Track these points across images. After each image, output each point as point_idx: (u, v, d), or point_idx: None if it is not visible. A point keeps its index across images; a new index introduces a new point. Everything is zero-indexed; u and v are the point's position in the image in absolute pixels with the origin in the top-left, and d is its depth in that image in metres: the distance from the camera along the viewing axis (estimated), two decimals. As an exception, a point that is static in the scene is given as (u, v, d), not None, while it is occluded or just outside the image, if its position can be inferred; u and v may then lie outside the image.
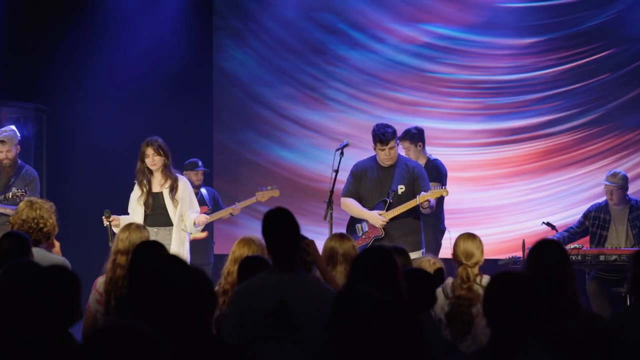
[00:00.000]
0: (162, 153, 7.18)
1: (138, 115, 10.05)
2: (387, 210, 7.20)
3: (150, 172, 7.24)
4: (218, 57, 10.34)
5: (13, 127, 8.27)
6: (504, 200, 9.77)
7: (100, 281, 5.25)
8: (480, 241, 5.16)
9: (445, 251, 7.85)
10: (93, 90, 10.09)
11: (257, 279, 4.25)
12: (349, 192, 7.36)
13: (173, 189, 7.14)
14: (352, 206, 7.34)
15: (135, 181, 7.34)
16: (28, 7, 10.05)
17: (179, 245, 7.05)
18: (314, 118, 10.14)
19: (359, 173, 7.35)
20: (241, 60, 10.26)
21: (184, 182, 7.24)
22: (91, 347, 1.95)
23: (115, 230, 7.09)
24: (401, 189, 7.23)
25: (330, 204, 7.05)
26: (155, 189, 7.22)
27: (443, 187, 7.35)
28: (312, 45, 10.14)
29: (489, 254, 6.24)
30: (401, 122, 9.34)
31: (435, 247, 7.84)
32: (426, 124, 9.01)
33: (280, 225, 4.18)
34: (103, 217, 7.15)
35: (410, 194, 7.19)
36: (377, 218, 7.18)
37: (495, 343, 3.18)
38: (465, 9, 9.81)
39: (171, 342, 2.17)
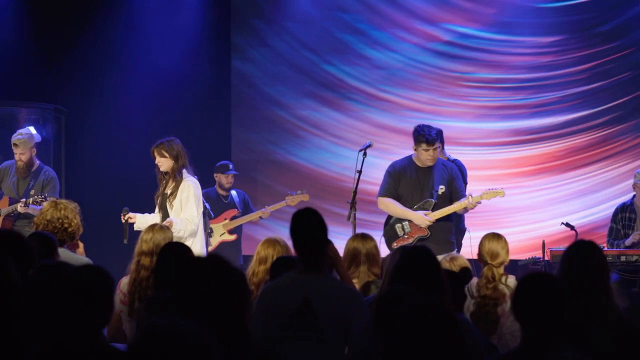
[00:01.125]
0: (165, 155, 7.14)
1: (156, 116, 10.07)
2: (432, 210, 7.24)
3: (167, 173, 7.24)
4: (236, 57, 10.32)
5: (30, 129, 8.28)
6: (523, 199, 9.73)
7: (124, 282, 5.26)
8: (505, 241, 5.16)
9: (465, 250, 7.85)
10: (111, 91, 10.11)
11: (282, 279, 4.26)
12: (388, 192, 7.37)
13: (172, 192, 7.12)
14: (393, 206, 7.35)
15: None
16: (48, 10, 10.07)
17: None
18: (333, 118, 10.12)
19: (397, 173, 7.37)
20: (259, 61, 10.24)
21: (184, 186, 7.11)
22: (145, 347, 1.94)
23: (134, 227, 7.14)
24: (441, 189, 7.28)
25: (353, 204, 7.04)
26: (166, 189, 7.23)
27: (500, 189, 7.36)
28: (330, 45, 10.10)
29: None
30: (421, 122, 9.34)
31: (458, 247, 7.84)
32: (445, 123, 9.00)
33: (309, 225, 4.16)
34: (121, 215, 7.18)
35: (448, 195, 7.26)
36: (423, 218, 7.20)
37: (526, 344, 3.17)
38: (484, 8, 9.79)
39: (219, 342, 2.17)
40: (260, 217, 8.66)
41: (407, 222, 7.29)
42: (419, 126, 7.33)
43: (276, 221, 9.79)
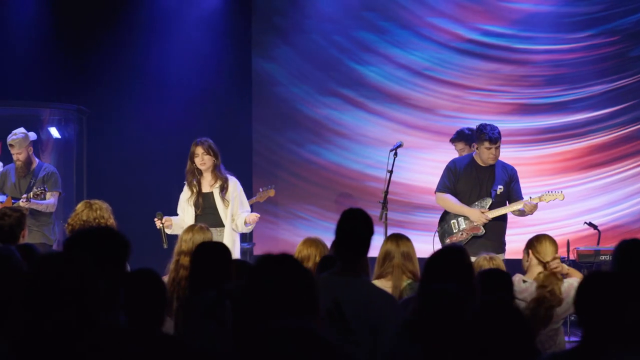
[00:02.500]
0: (211, 153, 7.16)
1: (176, 116, 10.07)
2: (489, 209, 7.22)
3: (200, 172, 7.21)
4: (257, 56, 10.28)
5: (22, 129, 8.33)
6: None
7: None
8: (554, 241, 5.14)
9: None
10: (132, 91, 10.10)
11: (318, 279, 4.20)
12: (446, 187, 7.35)
13: (223, 189, 7.11)
14: (450, 202, 7.32)
15: (185, 182, 7.31)
16: (70, 11, 10.07)
17: (231, 245, 7.02)
18: (356, 116, 10.08)
19: (458, 170, 7.35)
20: (281, 59, 10.20)
21: (234, 182, 7.20)
22: (274, 351, 1.93)
23: (168, 231, 7.10)
24: (500, 189, 7.27)
25: (385, 204, 7.01)
26: (205, 189, 7.19)
27: (560, 192, 7.35)
28: (353, 43, 10.06)
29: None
30: (444, 120, 9.36)
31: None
32: (469, 122, 8.97)
33: (358, 226, 4.10)
34: (155, 220, 7.12)
35: (506, 195, 7.27)
36: (480, 215, 7.17)
37: (587, 344, 3.15)
38: (508, 5, 9.76)
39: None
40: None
41: (462, 219, 7.26)
42: (482, 124, 7.32)
43: (292, 220, 9.82)
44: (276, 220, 10.02)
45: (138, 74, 10.13)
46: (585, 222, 8.95)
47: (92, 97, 9.92)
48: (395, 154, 7.24)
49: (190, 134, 9.95)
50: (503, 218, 7.29)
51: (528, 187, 9.75)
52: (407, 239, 5.52)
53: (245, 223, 7.10)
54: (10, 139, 8.20)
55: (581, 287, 3.19)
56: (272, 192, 8.29)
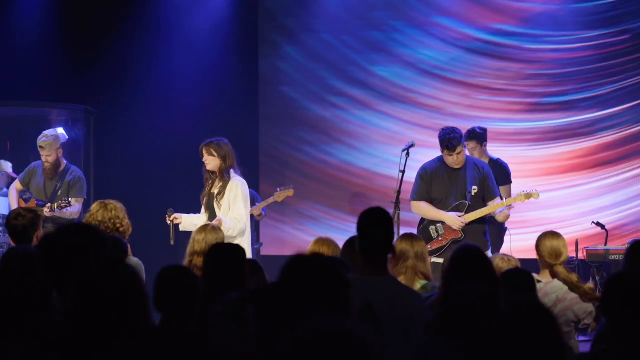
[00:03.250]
0: (214, 154, 7.11)
1: (183, 116, 10.06)
2: (466, 212, 7.16)
3: (214, 172, 7.23)
4: (264, 55, 10.26)
5: (56, 130, 8.25)
6: (553, 198, 9.71)
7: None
8: (564, 239, 5.12)
9: (505, 247, 7.85)
10: (138, 91, 10.10)
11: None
12: (420, 195, 7.28)
13: (220, 192, 7.08)
14: (425, 209, 7.27)
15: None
16: (78, 11, 10.06)
17: None
18: (362, 116, 10.06)
19: (429, 176, 7.28)
20: (288, 59, 10.17)
21: (231, 186, 7.08)
22: (315, 350, 1.93)
23: (181, 228, 7.13)
24: (474, 190, 7.20)
25: (397, 204, 7.00)
26: (213, 189, 7.20)
27: (535, 191, 7.29)
28: (360, 43, 10.04)
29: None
30: (453, 120, 9.33)
31: (500, 246, 7.82)
32: (478, 121, 8.96)
33: (381, 226, 4.09)
34: (166, 216, 7.13)
35: (481, 195, 7.19)
36: (456, 220, 7.13)
37: (615, 344, 3.16)
38: (515, 5, 9.76)
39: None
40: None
41: (440, 224, 7.20)
42: (442, 130, 7.21)
43: (302, 221, 9.82)
44: (283, 220, 10.01)
45: (145, 73, 10.13)
46: (593, 222, 8.94)
47: (99, 97, 9.92)
48: (408, 154, 7.23)
49: (197, 134, 9.94)
50: (482, 219, 7.22)
51: (535, 186, 9.81)
52: (421, 240, 5.52)
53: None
54: (40, 140, 8.08)
55: (608, 289, 3.20)
56: (291, 192, 8.21)
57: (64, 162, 8.27)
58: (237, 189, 7.08)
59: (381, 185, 9.78)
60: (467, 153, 7.70)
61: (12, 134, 8.51)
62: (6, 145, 9.31)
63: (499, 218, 7.25)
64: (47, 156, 8.08)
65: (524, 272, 4.41)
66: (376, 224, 4.03)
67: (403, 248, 5.26)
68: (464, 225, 7.11)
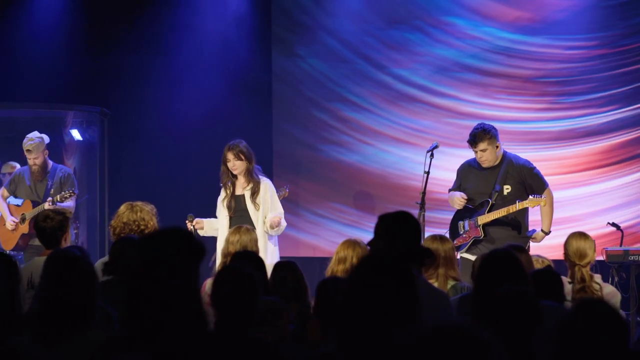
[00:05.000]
0: (242, 157, 7.16)
1: (197, 117, 10.07)
2: (488, 211, 7.12)
3: (234, 174, 7.24)
4: (277, 54, 10.20)
5: (37, 132, 8.30)
6: (568, 199, 9.70)
7: (209, 283, 5.25)
8: (592, 240, 5.13)
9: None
10: (152, 92, 10.10)
11: None
12: (454, 188, 7.35)
13: (254, 192, 7.12)
14: (449, 198, 7.36)
15: (222, 184, 7.33)
16: (91, 13, 10.07)
17: (262, 249, 6.98)
18: (377, 116, 10.03)
19: (463, 171, 7.33)
20: (302, 58, 10.13)
21: (265, 185, 7.20)
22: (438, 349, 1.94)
23: (201, 233, 7.11)
24: (507, 189, 7.12)
25: (422, 205, 7.00)
26: (238, 191, 7.22)
27: (543, 197, 7.07)
28: (375, 43, 9.99)
29: (557, 255, 6.19)
30: (468, 121, 9.33)
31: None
32: (494, 122, 8.94)
33: (407, 228, 4.08)
34: (187, 222, 7.13)
35: (519, 194, 7.08)
36: (456, 199, 7.12)
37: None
38: (530, 6, 9.75)
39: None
40: None
41: (467, 221, 7.20)
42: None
43: (320, 222, 9.82)
44: (297, 221, 9.99)
45: (159, 74, 10.13)
46: (609, 223, 8.92)
47: (114, 98, 9.92)
48: (432, 154, 7.22)
49: (211, 135, 9.97)
50: (519, 219, 7.11)
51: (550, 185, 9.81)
52: (449, 240, 5.55)
53: (271, 227, 7.08)
54: (27, 144, 8.16)
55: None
56: (286, 193, 8.21)
57: (50, 162, 8.34)
58: (272, 188, 7.26)
59: (396, 185, 9.80)
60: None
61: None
62: (21, 147, 9.32)
63: (535, 240, 7.14)
64: (35, 159, 8.16)
65: (551, 272, 4.43)
66: (403, 228, 4.02)
67: (434, 248, 5.29)
68: (462, 203, 7.04)
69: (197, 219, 7.17)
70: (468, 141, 7.13)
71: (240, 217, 7.08)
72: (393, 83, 9.99)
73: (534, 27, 9.72)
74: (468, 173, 7.25)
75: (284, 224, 7.19)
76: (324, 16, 10.08)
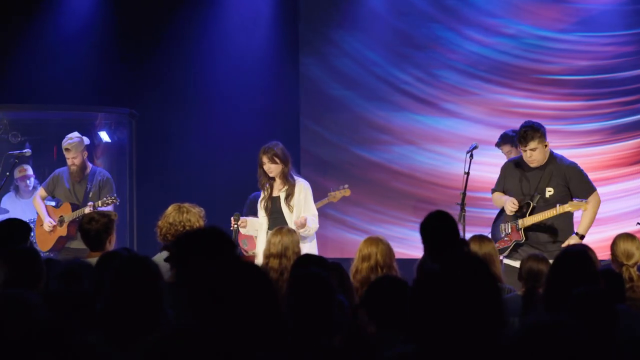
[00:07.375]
0: (277, 161, 7.21)
1: (225, 119, 10.10)
2: (529, 214, 6.94)
3: (273, 177, 7.30)
4: (305, 55, 10.18)
5: (77, 133, 8.30)
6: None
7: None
8: (638, 240, 5.17)
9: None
10: (181, 94, 10.14)
11: None
12: (497, 187, 7.22)
13: (289, 194, 7.18)
14: (495, 198, 7.21)
15: (259, 185, 7.41)
16: (121, 15, 10.11)
17: None
18: (404, 117, 10.02)
19: (507, 169, 7.17)
20: (329, 59, 10.12)
21: (300, 187, 7.23)
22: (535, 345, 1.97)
23: (243, 231, 7.22)
24: (549, 191, 6.94)
25: (462, 206, 6.98)
26: (275, 193, 7.29)
27: (585, 201, 6.76)
28: (402, 45, 9.98)
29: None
30: (492, 122, 9.35)
31: None
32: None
33: (446, 230, 4.11)
34: (232, 219, 7.20)
35: (562, 197, 6.88)
36: (509, 204, 6.92)
37: None
38: (566, 7, 9.74)
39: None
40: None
41: (510, 224, 7.04)
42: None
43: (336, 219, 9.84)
44: (324, 220, 10.00)
45: (188, 76, 10.16)
46: (638, 223, 8.89)
47: (143, 100, 9.95)
48: (471, 155, 7.18)
49: (239, 135, 9.99)
50: (565, 223, 6.95)
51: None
52: (490, 240, 5.55)
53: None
54: (66, 143, 8.16)
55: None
56: (347, 192, 8.11)
57: (89, 164, 8.33)
58: (307, 190, 7.25)
59: (425, 184, 9.82)
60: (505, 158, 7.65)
61: (59, 139, 8.54)
62: (52, 149, 9.36)
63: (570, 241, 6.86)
64: (73, 158, 8.13)
65: (612, 272, 4.46)
66: (442, 229, 4.16)
67: (472, 249, 5.31)
68: (514, 209, 6.87)
69: (242, 218, 7.26)
70: (517, 139, 6.96)
71: (275, 219, 7.14)
72: (421, 84, 9.96)
73: (565, 26, 9.68)
74: (512, 172, 7.09)
75: (312, 225, 7.10)
76: (352, 15, 10.08)
